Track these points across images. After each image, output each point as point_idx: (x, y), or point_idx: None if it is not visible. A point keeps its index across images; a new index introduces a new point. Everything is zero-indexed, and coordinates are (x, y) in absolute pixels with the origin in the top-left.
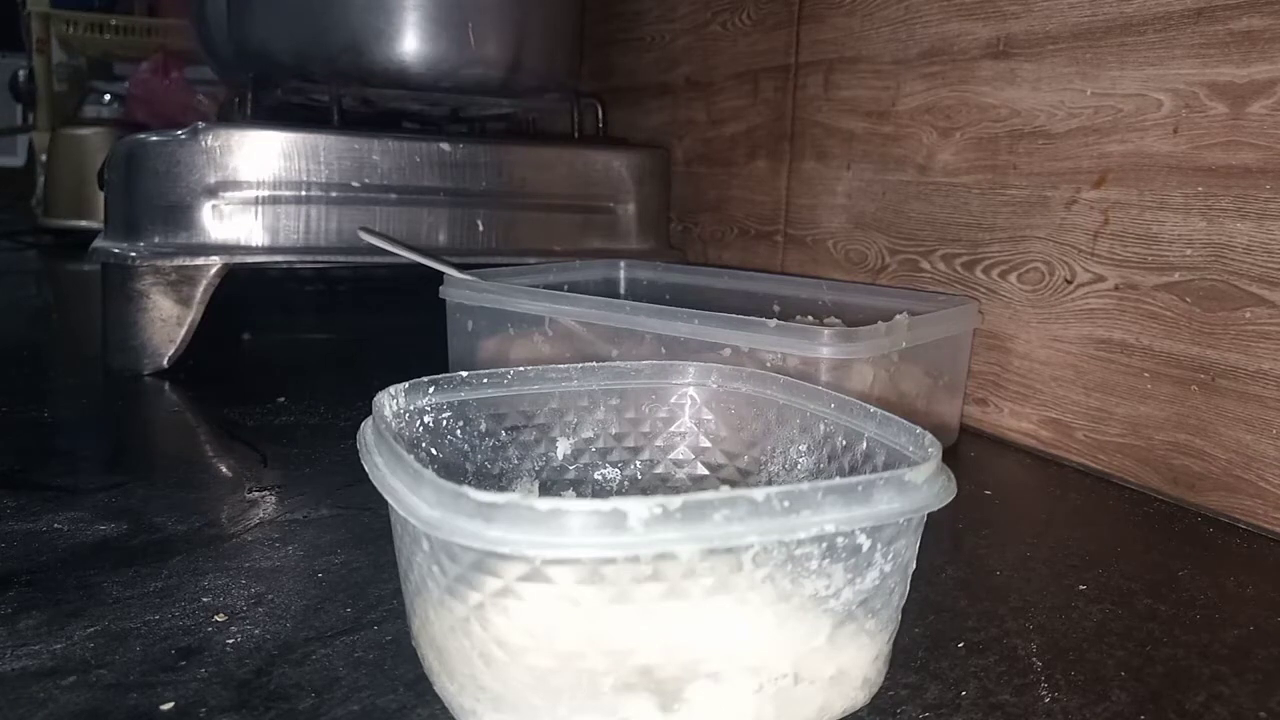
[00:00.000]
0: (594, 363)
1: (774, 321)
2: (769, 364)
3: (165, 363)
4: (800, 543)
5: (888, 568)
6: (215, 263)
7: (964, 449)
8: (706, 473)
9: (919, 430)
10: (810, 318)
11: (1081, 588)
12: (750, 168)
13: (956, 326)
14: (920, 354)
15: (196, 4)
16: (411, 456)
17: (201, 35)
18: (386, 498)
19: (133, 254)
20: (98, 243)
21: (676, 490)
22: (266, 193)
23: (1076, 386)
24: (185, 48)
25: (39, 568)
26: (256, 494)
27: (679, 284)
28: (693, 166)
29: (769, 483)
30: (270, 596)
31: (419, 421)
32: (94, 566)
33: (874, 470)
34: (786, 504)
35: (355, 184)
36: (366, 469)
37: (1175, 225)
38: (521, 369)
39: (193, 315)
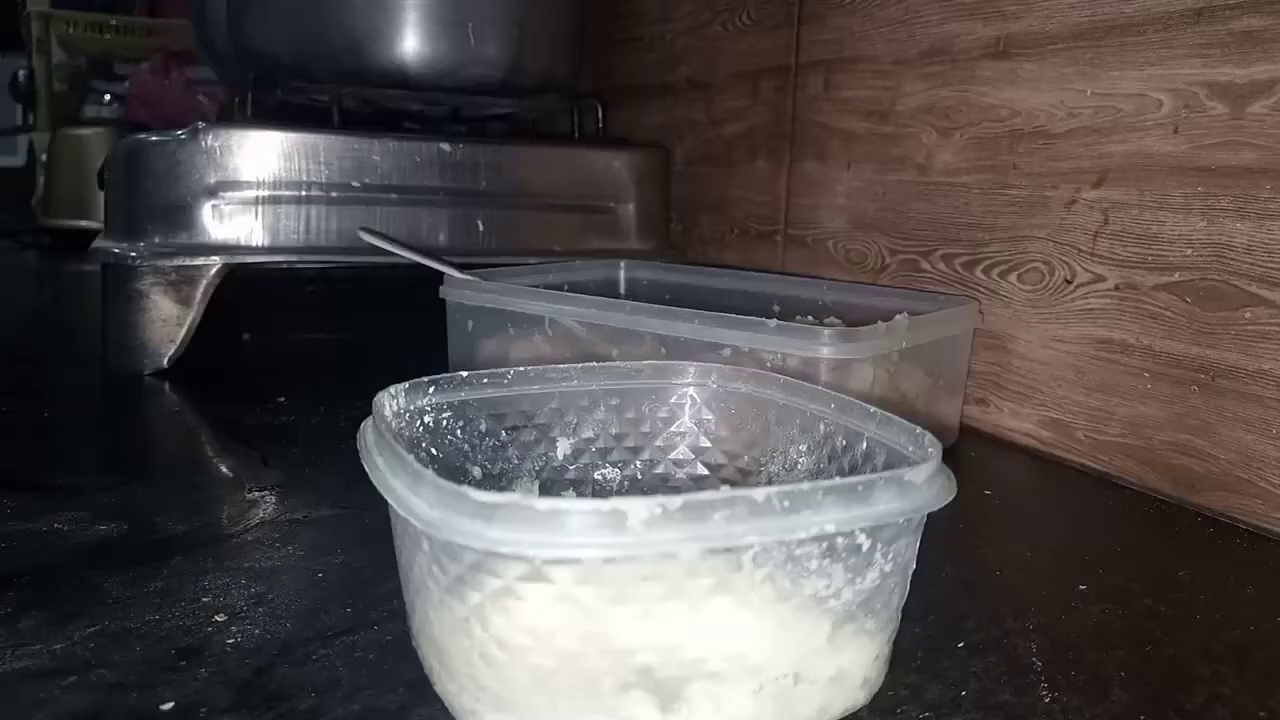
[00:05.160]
0: (594, 363)
1: (774, 321)
2: (769, 364)
3: (165, 363)
4: (800, 543)
5: (888, 568)
6: (215, 263)
7: (964, 449)
8: (706, 473)
9: (919, 430)
10: (810, 318)
11: (1081, 588)
12: (750, 168)
13: (956, 326)
14: (920, 354)
15: (196, 4)
16: (411, 457)
17: (201, 35)
18: (386, 498)
19: (133, 254)
20: (98, 243)
21: (676, 490)
22: (266, 193)
23: (1076, 386)
24: (185, 48)
25: (39, 568)
26: (257, 494)
27: (679, 284)
28: (693, 166)
29: (769, 483)
30: (270, 596)
31: (419, 421)
32: (94, 566)
33: (874, 470)
34: (786, 504)
35: (355, 184)
36: (366, 469)
37: (1175, 225)
38: (521, 369)
39: (193, 315)
